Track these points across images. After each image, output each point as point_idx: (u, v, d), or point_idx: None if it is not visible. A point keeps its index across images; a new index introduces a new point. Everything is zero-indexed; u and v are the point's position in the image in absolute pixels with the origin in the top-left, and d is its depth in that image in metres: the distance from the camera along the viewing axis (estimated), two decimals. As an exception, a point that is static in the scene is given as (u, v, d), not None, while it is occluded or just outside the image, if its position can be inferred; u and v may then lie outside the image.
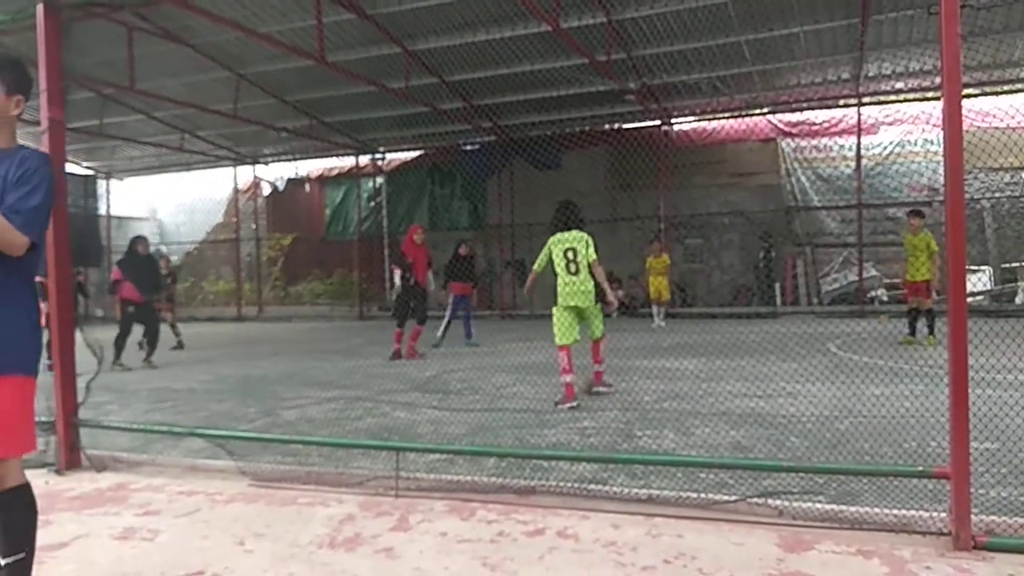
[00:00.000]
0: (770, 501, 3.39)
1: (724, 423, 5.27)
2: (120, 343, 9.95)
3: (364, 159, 22.19)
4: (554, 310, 6.62)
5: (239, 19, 12.46)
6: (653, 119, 18.21)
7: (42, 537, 3.24)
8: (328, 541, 3.15)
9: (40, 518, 3.47)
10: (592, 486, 3.79)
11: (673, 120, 18.31)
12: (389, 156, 22.35)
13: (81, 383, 4.69)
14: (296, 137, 19.68)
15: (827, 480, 3.75)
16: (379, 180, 22.51)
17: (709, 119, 18.27)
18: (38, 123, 4.65)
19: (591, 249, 6.65)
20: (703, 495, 3.54)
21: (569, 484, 3.81)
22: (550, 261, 6.73)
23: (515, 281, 20.20)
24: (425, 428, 5.42)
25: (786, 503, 3.36)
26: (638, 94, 16.26)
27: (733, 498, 3.44)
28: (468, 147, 20.51)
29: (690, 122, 18.50)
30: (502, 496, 3.67)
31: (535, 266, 6.81)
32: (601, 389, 6.76)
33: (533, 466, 4.22)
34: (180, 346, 12.83)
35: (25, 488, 2.50)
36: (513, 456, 4.28)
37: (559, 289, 6.59)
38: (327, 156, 22.60)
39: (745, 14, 13.25)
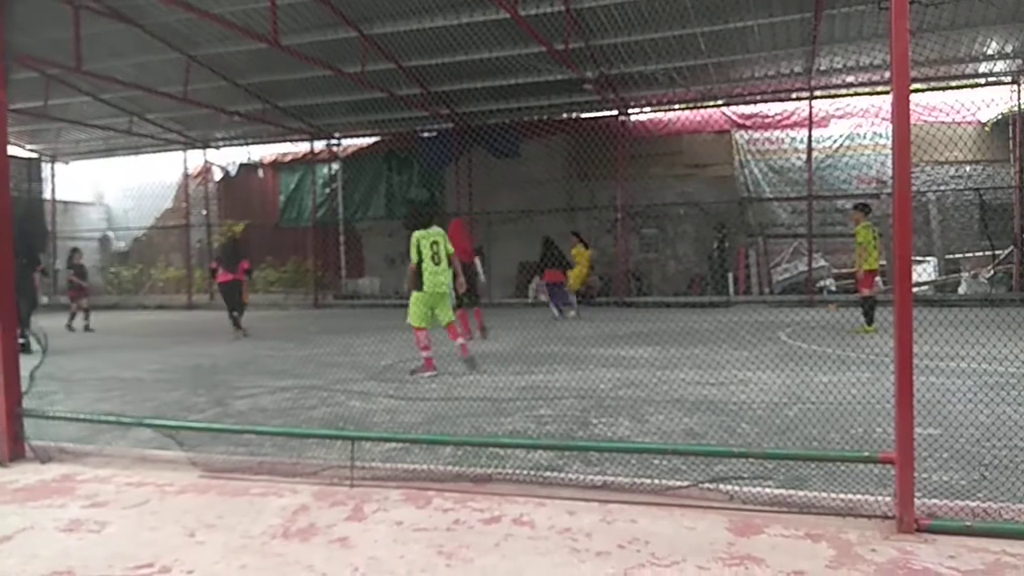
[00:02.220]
0: (721, 486, 3.46)
1: (678, 410, 5.36)
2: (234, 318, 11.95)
3: (319, 145, 21.82)
4: (415, 295, 7.39)
5: (190, -1, 12.11)
6: (611, 109, 18.31)
7: (-18, 531, 3.15)
8: (281, 532, 3.10)
9: (-20, 512, 3.38)
10: (548, 473, 3.81)
11: (630, 110, 18.44)
12: (345, 142, 22.02)
13: (25, 372, 4.53)
14: (248, 121, 19.26)
15: (776, 465, 3.84)
16: (335, 166, 22.18)
17: (665, 110, 18.44)
18: (-23, 103, 4.45)
19: (448, 242, 7.67)
20: (657, 481, 3.59)
21: (525, 472, 3.83)
22: (419, 253, 7.42)
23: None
24: (381, 417, 5.38)
25: (737, 488, 3.43)
26: (596, 84, 16.33)
27: (686, 484, 3.50)
28: (426, 134, 20.35)
29: (647, 113, 18.65)
30: (458, 484, 3.67)
31: (412, 260, 7.42)
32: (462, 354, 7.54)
33: (489, 454, 4.23)
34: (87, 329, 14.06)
35: None
36: (469, 444, 4.28)
37: (425, 278, 7.34)
38: (281, 141, 22.16)
39: (701, 6, 13.41)
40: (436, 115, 18.77)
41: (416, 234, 7.46)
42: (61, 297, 22.56)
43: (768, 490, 3.41)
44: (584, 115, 18.75)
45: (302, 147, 22.19)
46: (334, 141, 21.85)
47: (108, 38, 14.65)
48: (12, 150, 18.99)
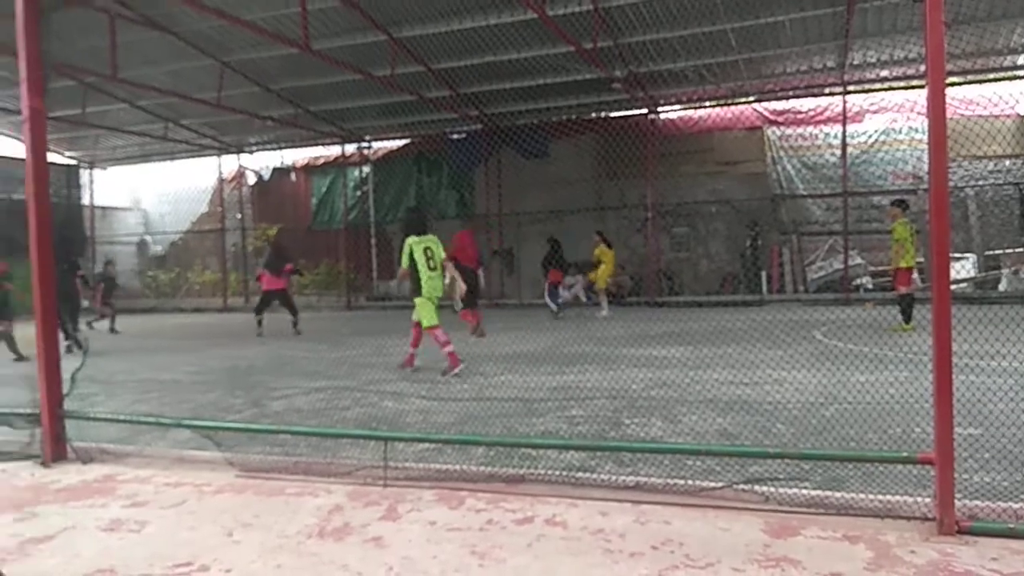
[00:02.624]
0: (757, 487, 3.42)
1: (711, 410, 5.31)
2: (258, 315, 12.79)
3: (350, 148, 22.04)
4: (419, 300, 7.67)
5: (222, 6, 12.28)
6: (640, 107, 18.20)
7: (27, 530, 3.23)
8: (317, 531, 3.14)
9: (26, 510, 3.48)
10: (580, 474, 3.81)
11: (660, 108, 18.31)
12: (375, 145, 22.21)
13: (66, 374, 4.64)
14: (281, 126, 19.52)
15: (813, 466, 3.79)
16: (365, 169, 22.38)
17: (695, 107, 18.28)
18: (19, 112, 4.58)
19: (441, 248, 7.94)
20: (690, 482, 3.57)
21: (558, 472, 3.83)
22: (411, 258, 7.72)
23: (503, 270, 20.18)
24: (414, 418, 5.41)
25: (772, 489, 3.39)
26: (625, 82, 16.25)
27: (720, 484, 3.47)
28: (455, 136, 20.42)
29: (677, 110, 18.51)
30: (491, 485, 3.68)
31: (403, 264, 7.75)
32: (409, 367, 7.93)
33: (522, 455, 4.23)
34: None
35: None
36: (501, 445, 4.28)
37: (423, 283, 7.64)
38: (313, 145, 22.41)
39: (731, 2, 13.25)
40: (465, 117, 18.83)
41: (410, 240, 7.72)
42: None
43: (805, 491, 3.37)
44: (613, 114, 18.66)
45: (333, 151, 22.43)
46: (365, 144, 22.04)
47: (143, 46, 14.95)
48: (51, 157, 19.39)
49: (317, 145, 22.39)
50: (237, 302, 22.40)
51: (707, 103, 17.99)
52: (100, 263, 21.75)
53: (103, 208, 24.93)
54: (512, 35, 14.57)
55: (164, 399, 6.66)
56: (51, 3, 4.76)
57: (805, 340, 9.21)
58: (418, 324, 7.76)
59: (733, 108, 18.24)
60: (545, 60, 15.46)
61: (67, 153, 23.55)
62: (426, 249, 7.69)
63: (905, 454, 3.17)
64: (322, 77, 16.50)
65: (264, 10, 13.46)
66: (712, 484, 3.49)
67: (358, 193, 22.52)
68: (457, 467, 3.98)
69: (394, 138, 21.83)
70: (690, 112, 18.50)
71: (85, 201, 24.33)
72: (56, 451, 4.48)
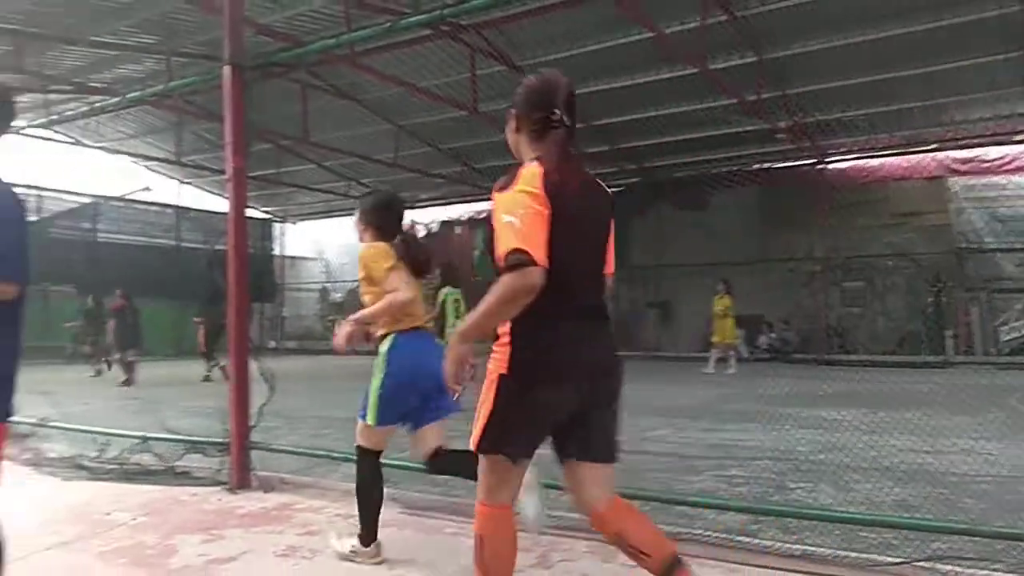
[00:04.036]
0: (939, 566, 3.12)
1: (888, 479, 4.90)
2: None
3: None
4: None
5: (401, 75, 13.37)
6: (806, 158, 17.48)
7: (213, 551, 3.56)
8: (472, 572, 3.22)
9: (212, 532, 3.84)
10: (741, 538, 3.64)
11: (828, 159, 17.47)
12: (537, 199, 22.84)
13: (254, 409, 5.10)
14: (449, 183, 20.63)
15: (1007, 546, 3.39)
16: (526, 222, 23.03)
17: (867, 157, 17.25)
18: (222, 172, 5.14)
19: (464, 302, 8.87)
20: (864, 555, 3.30)
21: (716, 534, 3.68)
22: (443, 307, 8.68)
23: (659, 323, 19.86)
24: (567, 467, 5.42)
25: (958, 569, 3.08)
26: (790, 133, 15.71)
27: (898, 560, 3.20)
28: (612, 189, 20.54)
29: (847, 160, 17.57)
30: (645, 541, 3.60)
31: (436, 309, 8.62)
32: None
33: (677, 512, 4.11)
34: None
35: None
36: (657, 501, 4.18)
37: (447, 329, 8.44)
38: (477, 200, 23.48)
39: (907, 48, 12.50)
40: (622, 170, 18.97)
41: (445, 291, 8.75)
42: (287, 342, 25.23)
43: (996, 574, 3.02)
44: (777, 165, 18.04)
45: (496, 205, 23.32)
46: (526, 199, 22.72)
47: (330, 112, 16.48)
48: (250, 212, 21.67)
49: (481, 200, 23.43)
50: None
51: (881, 152, 16.94)
52: (291, 305, 23.60)
53: (291, 258, 27.43)
54: (671, 90, 14.60)
55: (337, 435, 7.11)
56: (253, 76, 5.41)
57: (997, 407, 8.26)
58: None
59: (910, 157, 17.04)
60: (705, 113, 15.32)
61: (262, 208, 26.21)
62: (455, 300, 8.70)
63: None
64: (487, 136, 17.32)
65: (437, 77, 14.44)
66: (889, 559, 3.22)
67: (519, 247, 23.16)
68: (611, 520, 3.93)
69: (554, 192, 22.33)
70: (862, 161, 17.49)
71: (276, 252, 26.93)
72: (242, 479, 4.84)
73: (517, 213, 2.14)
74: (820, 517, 3.78)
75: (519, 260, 2.06)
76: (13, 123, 2.51)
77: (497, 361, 2.28)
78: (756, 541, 3.59)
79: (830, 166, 17.64)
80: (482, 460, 2.36)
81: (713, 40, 12.27)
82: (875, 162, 17.37)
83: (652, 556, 2.30)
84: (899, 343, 16.98)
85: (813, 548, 3.44)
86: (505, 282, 2.09)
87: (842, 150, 17.17)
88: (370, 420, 3.37)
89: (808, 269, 17.70)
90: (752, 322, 17.73)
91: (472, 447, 2.34)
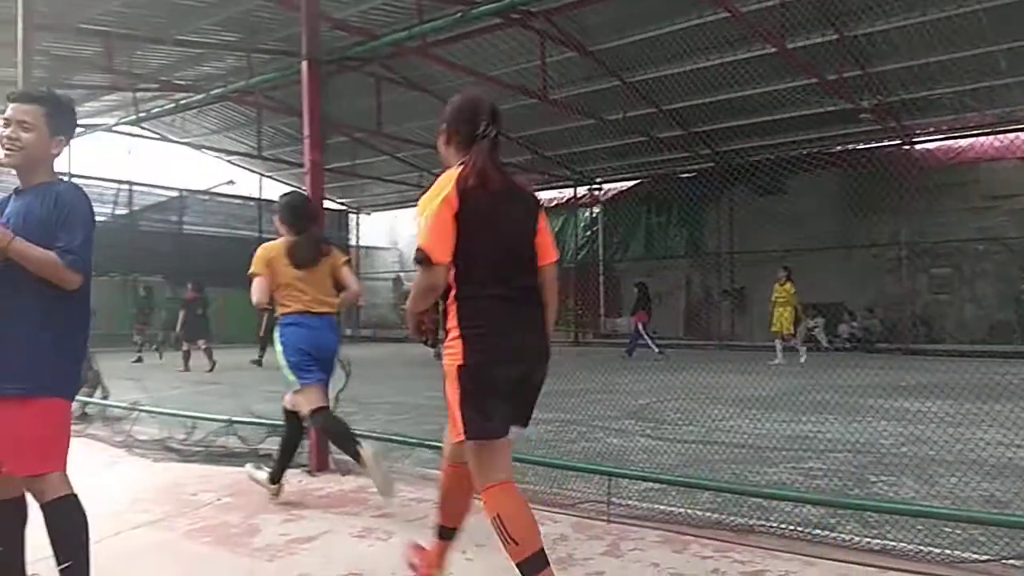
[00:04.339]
0: (1032, 565, 2.97)
1: (975, 473, 4.67)
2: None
3: (581, 190, 22.72)
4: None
5: (471, 65, 13.46)
6: (891, 138, 16.71)
7: (294, 530, 3.69)
8: (543, 558, 3.25)
9: (292, 513, 3.99)
10: (817, 531, 3.55)
11: (914, 139, 16.65)
12: (606, 186, 22.68)
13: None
14: (519, 171, 20.66)
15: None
16: (595, 210, 22.90)
17: (957, 137, 16.35)
18: (301, 165, 5.32)
19: None
20: (948, 552, 3.17)
21: (791, 527, 3.60)
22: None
23: (734, 310, 19.43)
24: (638, 456, 5.39)
25: (1054, 569, 2.92)
26: (874, 113, 15.05)
27: (984, 557, 3.06)
28: (685, 175, 20.21)
29: (935, 140, 16.70)
30: (717, 532, 3.56)
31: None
32: None
33: (751, 504, 4.04)
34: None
35: (65, 500, 2.49)
36: (730, 492, 4.11)
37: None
38: (547, 188, 23.45)
39: (1001, 20, 11.77)
40: (696, 155, 18.59)
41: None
42: (362, 331, 25.90)
43: (1094, 576, 2.86)
44: (860, 146, 17.32)
45: (565, 193, 23.28)
46: (595, 186, 22.59)
47: (402, 104, 16.74)
48: (327, 204, 22.33)
49: (550, 188, 23.39)
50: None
51: (972, 132, 16.02)
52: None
53: (366, 248, 28.08)
54: (748, 71, 14.20)
55: (412, 421, 7.29)
56: (329, 71, 5.54)
57: (1104, 402, 7.74)
58: None
59: (1002, 136, 16.05)
60: (783, 94, 14.85)
61: (338, 200, 26.88)
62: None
63: None
64: (557, 124, 17.29)
65: (507, 66, 14.48)
66: (975, 556, 3.09)
67: (588, 233, 23.07)
68: (681, 510, 3.89)
69: (624, 179, 22.14)
70: (951, 142, 16.59)
71: (352, 242, 27.62)
72: (321, 462, 5.02)
73: (426, 215, 2.44)
74: (902, 511, 3.62)
75: (420, 258, 2.39)
76: (77, 128, 2.80)
77: (452, 356, 2.48)
78: (834, 535, 3.49)
79: (916, 147, 16.82)
80: (469, 449, 2.51)
81: (791, 18, 11.88)
82: (964, 142, 16.43)
83: (520, 545, 2.40)
84: (989, 332, 16.13)
85: (894, 543, 3.33)
86: (416, 278, 2.47)
87: (929, 130, 16.35)
88: (294, 384, 4.11)
89: (893, 255, 16.98)
90: (832, 310, 17.15)
91: (457, 440, 2.55)
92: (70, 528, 2.49)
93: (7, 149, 2.54)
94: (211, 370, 13.46)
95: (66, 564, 2.44)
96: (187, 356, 13.89)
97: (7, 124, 2.54)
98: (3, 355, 2.44)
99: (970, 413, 6.76)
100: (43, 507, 2.47)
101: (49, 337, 2.48)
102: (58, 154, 2.64)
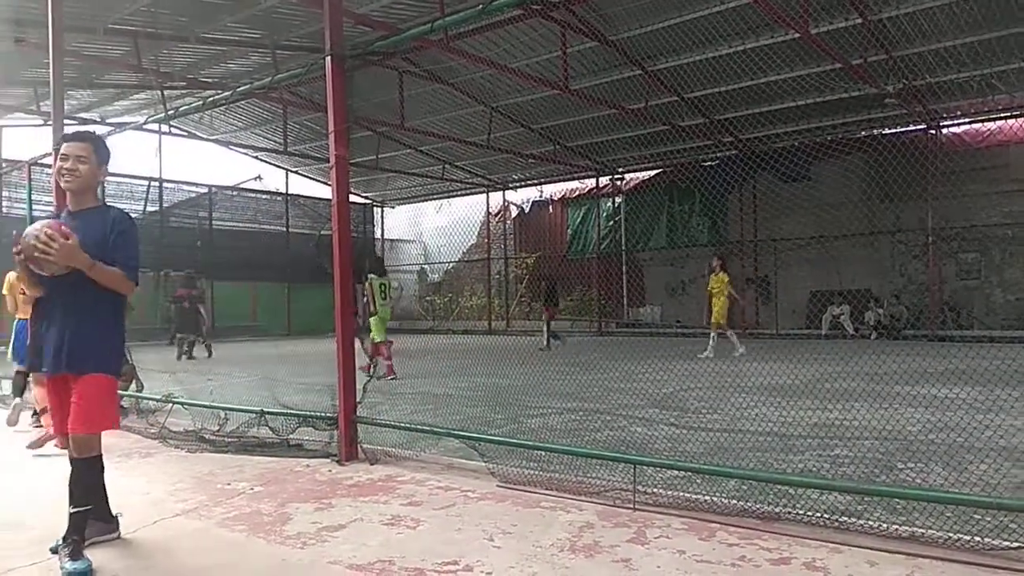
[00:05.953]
0: (1062, 552, 2.95)
1: (1006, 460, 4.64)
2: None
3: (603, 180, 22.66)
4: (375, 320, 10.44)
5: (492, 57, 13.47)
6: (917, 123, 16.43)
7: (324, 519, 3.78)
8: (568, 545, 3.29)
9: (323, 501, 4.08)
10: (844, 518, 3.55)
11: (941, 123, 16.36)
12: (628, 176, 22.59)
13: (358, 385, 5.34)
14: (541, 162, 20.68)
15: None
16: (618, 200, 22.83)
17: (984, 120, 16.02)
18: (327, 160, 5.37)
19: (391, 285, 11.36)
20: (978, 539, 3.17)
21: (818, 514, 3.60)
22: (371, 289, 10.46)
23: (758, 299, 19.28)
24: (662, 444, 5.41)
25: (1085, 556, 2.91)
26: (899, 97, 14.80)
27: (1016, 544, 3.05)
28: (707, 163, 20.06)
29: (962, 124, 16.40)
30: (743, 520, 3.58)
31: (376, 300, 10.43)
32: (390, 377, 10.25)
33: (777, 492, 4.05)
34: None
35: (99, 459, 3.34)
36: (755, 479, 4.12)
37: (379, 312, 10.47)
38: (569, 179, 23.44)
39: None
40: (719, 143, 18.44)
41: (374, 280, 10.50)
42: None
43: None
44: (885, 131, 17.06)
45: (588, 183, 23.24)
46: (617, 175, 22.51)
47: (425, 97, 16.82)
48: (352, 198, 22.54)
49: (573, 179, 23.37)
50: (499, 325, 24.00)
51: (1000, 115, 15.70)
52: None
53: (391, 241, 28.28)
54: (770, 57, 14.05)
55: (437, 411, 7.37)
56: (353, 66, 5.59)
57: None
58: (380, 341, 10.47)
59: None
60: (806, 79, 14.66)
61: (363, 194, 27.07)
62: (382, 286, 10.54)
63: None
64: (578, 114, 17.24)
65: (528, 57, 14.47)
66: (1006, 543, 3.07)
67: (610, 223, 23.02)
68: (707, 498, 3.90)
69: (646, 168, 22.03)
70: (979, 125, 16.28)
71: (376, 235, 27.83)
72: (349, 452, 5.10)
73: None
74: (930, 498, 3.59)
75: None
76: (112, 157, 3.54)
77: None
78: (861, 522, 3.49)
79: (943, 131, 16.53)
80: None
81: (815, 2, 11.73)
82: (992, 125, 16.11)
83: None
84: (1018, 317, 15.85)
85: (923, 530, 3.32)
86: None
87: (956, 113, 16.05)
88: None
89: (920, 241, 16.74)
90: (859, 297, 16.97)
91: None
92: (96, 479, 3.34)
93: (67, 180, 3.29)
94: (209, 356, 15.15)
95: (87, 507, 3.20)
96: (191, 346, 15.26)
97: (65, 159, 3.29)
98: (77, 343, 3.20)
99: (1000, 399, 6.69)
100: (80, 460, 3.21)
101: (105, 326, 3.31)
102: (103, 179, 3.44)
